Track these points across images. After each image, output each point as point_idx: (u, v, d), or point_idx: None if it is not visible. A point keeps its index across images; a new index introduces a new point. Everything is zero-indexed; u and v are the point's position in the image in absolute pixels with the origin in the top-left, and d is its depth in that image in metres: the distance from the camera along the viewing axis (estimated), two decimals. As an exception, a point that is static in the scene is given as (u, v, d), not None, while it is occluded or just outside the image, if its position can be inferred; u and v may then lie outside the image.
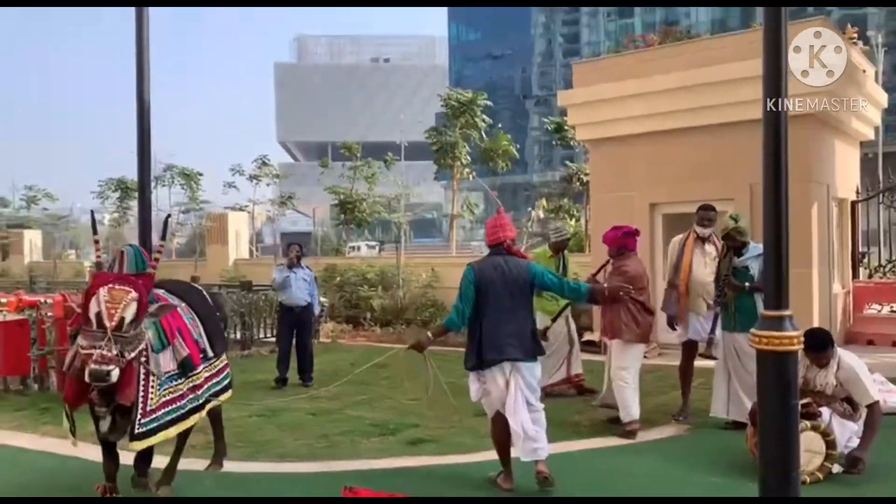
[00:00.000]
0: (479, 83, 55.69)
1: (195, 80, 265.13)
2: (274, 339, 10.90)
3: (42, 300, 8.94)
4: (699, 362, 6.98)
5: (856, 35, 11.34)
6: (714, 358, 6.63)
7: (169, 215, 8.71)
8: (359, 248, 32.01)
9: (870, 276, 12.58)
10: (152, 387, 4.38)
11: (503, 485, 4.99)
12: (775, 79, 3.77)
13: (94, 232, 5.00)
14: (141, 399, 4.30)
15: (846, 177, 11.85)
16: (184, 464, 5.02)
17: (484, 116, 20.42)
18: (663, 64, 10.74)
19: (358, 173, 22.57)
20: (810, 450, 4.89)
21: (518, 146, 23.45)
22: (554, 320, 7.59)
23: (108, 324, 4.08)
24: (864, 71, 10.79)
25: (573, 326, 8.21)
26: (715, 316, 6.50)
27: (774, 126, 3.78)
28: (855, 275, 12.14)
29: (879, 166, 18.85)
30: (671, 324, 6.93)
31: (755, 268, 6.10)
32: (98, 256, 4.79)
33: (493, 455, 5.14)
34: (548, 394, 6.89)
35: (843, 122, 11.00)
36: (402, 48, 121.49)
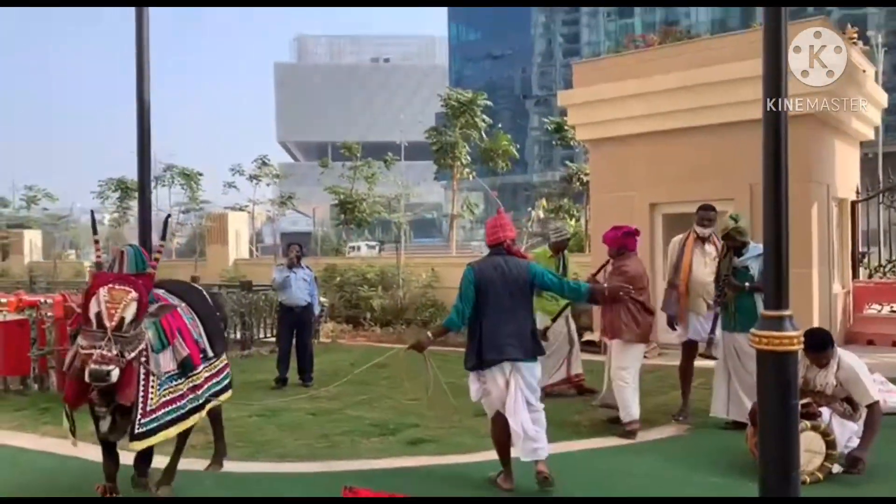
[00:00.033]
0: (479, 83, 55.68)
1: (195, 80, 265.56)
2: (274, 339, 10.90)
3: (42, 300, 8.94)
4: (699, 362, 6.98)
5: (856, 35, 11.35)
6: (714, 358, 6.63)
7: (169, 215, 8.70)
8: (359, 248, 32.00)
9: (870, 276, 12.58)
10: (152, 387, 4.38)
11: (503, 485, 4.99)
12: (775, 79, 3.77)
13: (94, 232, 5.00)
14: (141, 399, 4.30)
15: (846, 177, 11.85)
16: (184, 464, 5.03)
17: (484, 116, 20.42)
18: (663, 64, 10.74)
19: (358, 173, 22.56)
20: (810, 450, 4.89)
21: (518, 146, 23.43)
22: (554, 320, 7.59)
23: (108, 324, 4.08)
24: (864, 71, 10.79)
25: (573, 326, 8.21)
26: (715, 316, 6.50)
27: (774, 126, 3.78)
28: (855, 275, 12.14)
29: (879, 166, 18.85)
30: (671, 324, 6.94)
31: (755, 268, 6.09)
32: (98, 256, 4.79)
33: (493, 455, 5.14)
34: (548, 394, 6.89)
35: (843, 122, 11.00)
36: (402, 48, 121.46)
